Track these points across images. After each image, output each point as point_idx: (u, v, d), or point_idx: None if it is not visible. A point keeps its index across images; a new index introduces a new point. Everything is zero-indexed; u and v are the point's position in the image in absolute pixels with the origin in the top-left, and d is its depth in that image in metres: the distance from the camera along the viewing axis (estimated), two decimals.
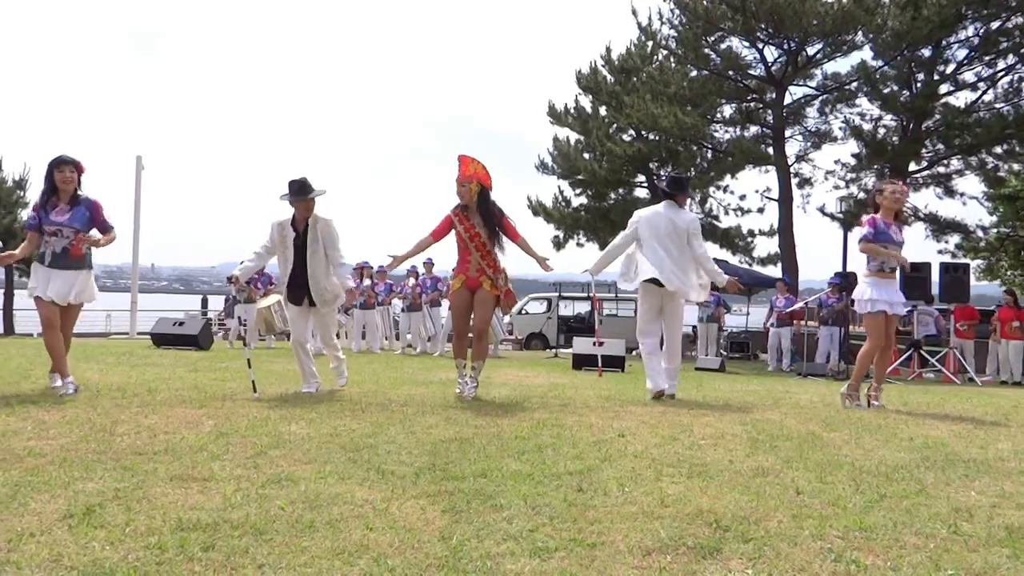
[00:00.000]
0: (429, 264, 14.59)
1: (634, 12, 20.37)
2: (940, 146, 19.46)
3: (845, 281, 13.70)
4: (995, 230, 22.46)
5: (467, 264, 5.80)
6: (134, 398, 4.93)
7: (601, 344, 10.42)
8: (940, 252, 20.98)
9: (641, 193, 23.44)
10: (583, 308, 22.14)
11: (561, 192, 23.47)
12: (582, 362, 10.28)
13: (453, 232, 5.84)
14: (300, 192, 5.62)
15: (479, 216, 5.76)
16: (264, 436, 3.76)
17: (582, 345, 10.69)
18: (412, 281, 14.46)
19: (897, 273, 6.05)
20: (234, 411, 4.52)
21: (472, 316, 5.84)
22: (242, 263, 6.09)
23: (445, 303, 14.23)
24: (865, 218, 5.94)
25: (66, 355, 5.42)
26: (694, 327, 16.63)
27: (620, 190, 23.31)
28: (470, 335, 5.93)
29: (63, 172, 5.26)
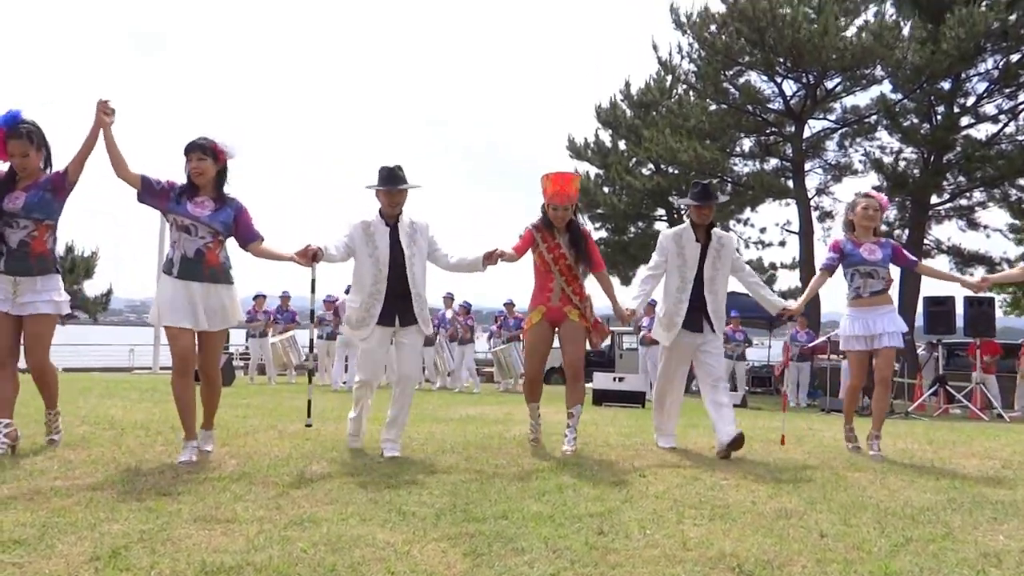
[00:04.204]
0: (448, 298, 14.65)
1: (654, 47, 20.60)
2: (962, 178, 19.39)
3: None
4: (1021, 263, 22.22)
5: (548, 292, 4.95)
6: (158, 436, 4.97)
7: (621, 380, 10.40)
8: None
9: (661, 226, 23.49)
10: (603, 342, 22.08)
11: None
12: (602, 398, 10.24)
13: (530, 254, 5.02)
14: (391, 180, 4.59)
15: (567, 235, 4.99)
16: (286, 476, 3.78)
17: (603, 380, 10.66)
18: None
19: (894, 295, 5.43)
20: (256, 450, 4.55)
21: (563, 353, 5.01)
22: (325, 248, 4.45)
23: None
24: (830, 242, 5.49)
25: (216, 403, 4.41)
26: None
27: (640, 223, 23.42)
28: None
29: (191, 161, 4.14)
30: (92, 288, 21.34)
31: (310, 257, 4.29)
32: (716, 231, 5.17)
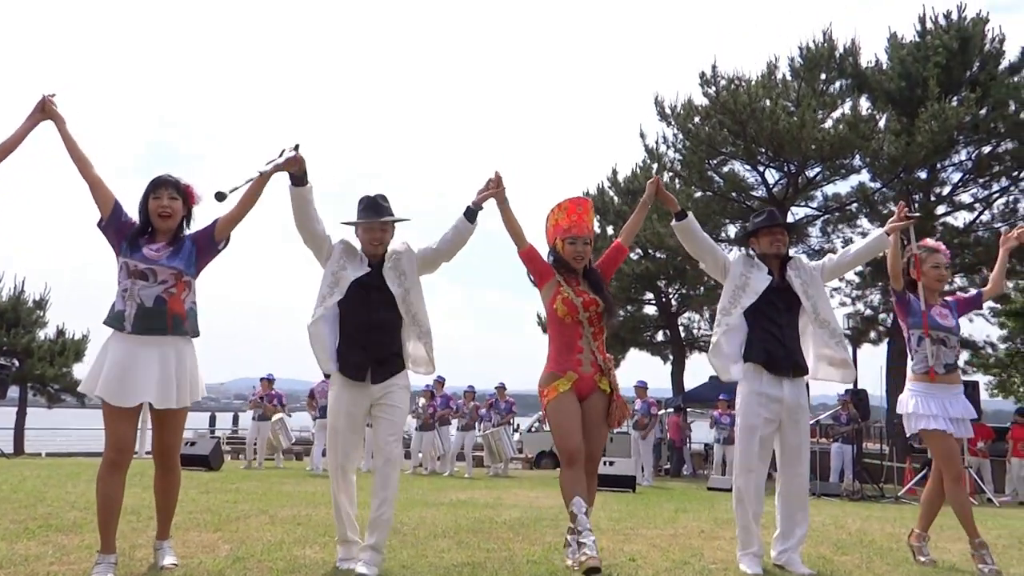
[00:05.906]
0: (440, 382, 14.65)
1: (642, 135, 21.32)
2: None
3: (856, 398, 13.82)
4: (1004, 345, 22.49)
5: (577, 353, 3.87)
6: (149, 521, 4.97)
7: (612, 464, 10.40)
8: None
9: (650, 310, 23.76)
10: None
11: None
12: None
13: (549, 304, 3.98)
14: (372, 209, 3.77)
15: (587, 279, 4.08)
16: (280, 561, 3.81)
17: None
18: (423, 401, 14.42)
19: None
20: (248, 534, 4.58)
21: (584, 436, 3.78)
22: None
23: (454, 423, 14.27)
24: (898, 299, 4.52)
25: (175, 502, 3.66)
26: (707, 445, 16.56)
27: (629, 307, 23.67)
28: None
29: (160, 199, 3.42)
30: (81, 371, 21.23)
31: (294, 152, 3.46)
32: (791, 262, 4.22)
